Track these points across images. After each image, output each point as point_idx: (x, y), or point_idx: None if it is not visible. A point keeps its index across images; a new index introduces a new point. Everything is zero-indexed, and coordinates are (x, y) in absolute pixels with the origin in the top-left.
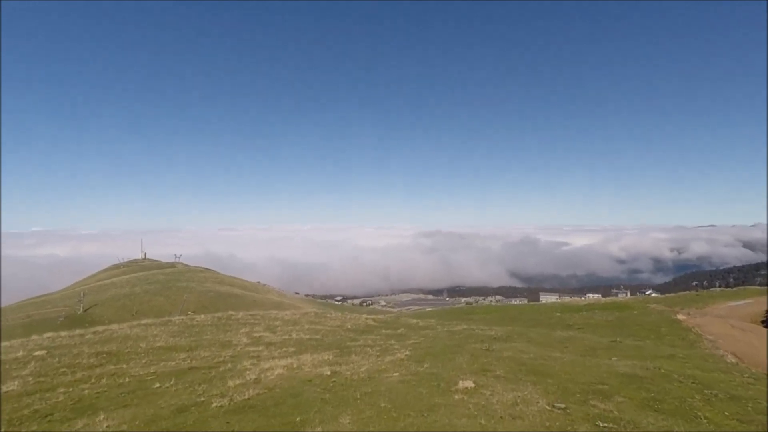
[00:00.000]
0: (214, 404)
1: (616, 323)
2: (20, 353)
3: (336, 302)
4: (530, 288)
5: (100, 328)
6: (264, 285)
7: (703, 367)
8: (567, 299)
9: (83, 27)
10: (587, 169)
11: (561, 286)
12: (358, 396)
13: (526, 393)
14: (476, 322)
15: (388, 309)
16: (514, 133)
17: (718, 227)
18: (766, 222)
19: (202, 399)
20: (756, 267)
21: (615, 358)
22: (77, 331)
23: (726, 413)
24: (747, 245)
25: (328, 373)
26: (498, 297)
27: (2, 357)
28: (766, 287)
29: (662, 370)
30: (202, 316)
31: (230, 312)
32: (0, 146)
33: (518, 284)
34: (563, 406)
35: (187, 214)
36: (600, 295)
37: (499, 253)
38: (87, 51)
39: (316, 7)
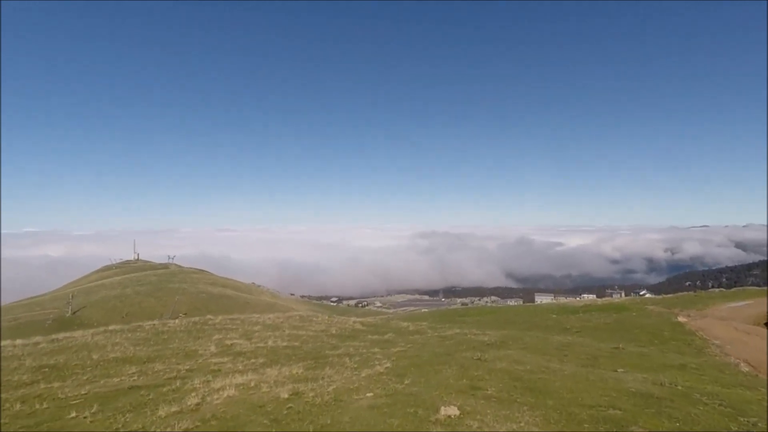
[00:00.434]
0: None
1: (615, 326)
2: None
3: (332, 303)
4: (526, 288)
5: (60, 336)
6: (258, 286)
7: (721, 381)
8: (562, 300)
9: (78, 27)
10: (582, 170)
11: (556, 287)
12: (311, 431)
13: (522, 424)
14: (470, 325)
15: (384, 310)
16: (510, 134)
17: (711, 228)
18: (759, 222)
19: None
20: (748, 267)
21: (621, 370)
22: (34, 339)
23: None
24: (739, 245)
25: (286, 396)
26: (494, 297)
27: None
28: (765, 288)
29: (679, 387)
30: (177, 321)
31: (209, 316)
32: None
33: (514, 285)
34: None
35: (184, 215)
36: (595, 296)
37: (494, 253)
38: (83, 51)
39: (316, 7)
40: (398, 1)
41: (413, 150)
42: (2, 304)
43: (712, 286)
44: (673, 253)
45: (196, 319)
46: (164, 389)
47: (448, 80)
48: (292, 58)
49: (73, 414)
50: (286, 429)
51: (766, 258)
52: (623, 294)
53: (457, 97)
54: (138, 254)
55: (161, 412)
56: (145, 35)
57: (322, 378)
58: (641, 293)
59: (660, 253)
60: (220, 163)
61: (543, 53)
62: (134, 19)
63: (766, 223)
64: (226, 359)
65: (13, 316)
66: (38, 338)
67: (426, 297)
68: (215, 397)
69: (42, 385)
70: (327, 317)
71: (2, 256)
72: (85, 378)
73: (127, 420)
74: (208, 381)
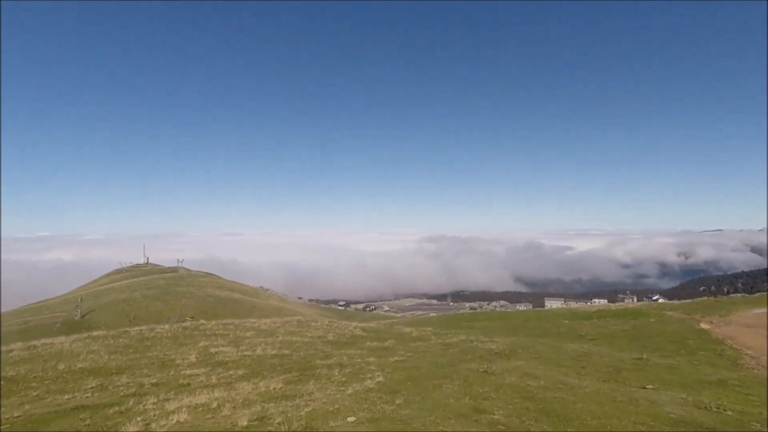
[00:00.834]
0: None
1: (634, 334)
2: None
3: (339, 307)
4: (535, 293)
5: (39, 342)
6: (266, 290)
7: None
8: (573, 305)
9: (88, 31)
10: (591, 173)
11: (566, 291)
12: None
13: None
14: (477, 331)
15: (392, 314)
16: (518, 137)
17: (725, 232)
18: None
19: None
20: (765, 272)
21: (650, 387)
22: (12, 346)
23: None
24: (755, 250)
25: (245, 423)
26: (502, 302)
27: None
28: None
29: (729, 412)
30: (167, 326)
31: (201, 321)
32: (0, 151)
33: (523, 289)
34: None
35: (193, 219)
36: (606, 300)
37: (503, 257)
38: (91, 55)
39: (316, 9)
40: (404, 1)
41: (420, 154)
42: (15, 308)
43: (728, 292)
44: (686, 258)
45: (188, 324)
46: (110, 411)
47: (454, 85)
48: (298, 61)
49: None
50: None
51: None
52: (635, 299)
53: (465, 101)
54: (147, 258)
55: None
56: (148, 39)
57: (301, 396)
58: (654, 298)
59: (673, 258)
60: (225, 168)
61: (550, 55)
62: (144, 22)
63: None
64: (201, 371)
65: (23, 320)
66: (17, 344)
67: (434, 301)
68: (162, 423)
69: None
70: (327, 322)
71: (16, 261)
72: (34, 394)
73: None
74: (166, 400)
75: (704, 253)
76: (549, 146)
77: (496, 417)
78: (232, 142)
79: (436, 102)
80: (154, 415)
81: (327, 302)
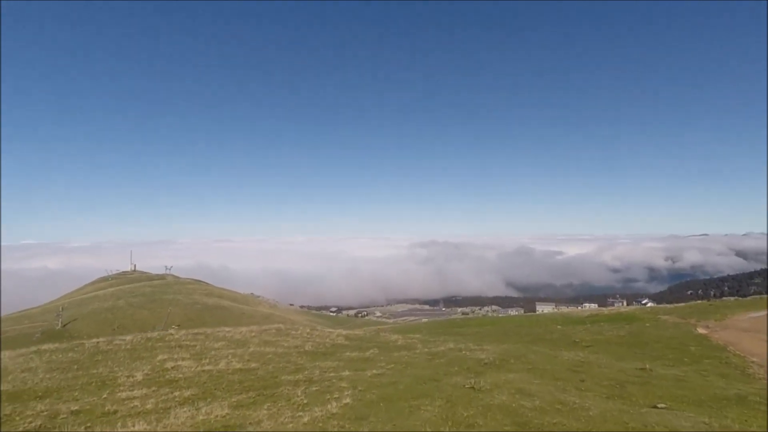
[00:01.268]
0: None
1: (631, 340)
2: None
3: (330, 313)
4: (526, 297)
5: None
6: (256, 297)
7: None
8: (565, 309)
9: (69, 35)
10: (580, 179)
11: (557, 296)
12: None
13: None
14: (467, 337)
15: (383, 320)
16: (508, 143)
17: (711, 236)
18: (758, 231)
19: None
20: (750, 276)
21: (662, 405)
22: None
23: None
24: (739, 254)
25: None
26: (494, 307)
27: None
28: None
29: None
30: (129, 337)
31: (170, 331)
32: None
33: (514, 294)
34: None
35: (182, 225)
36: (597, 305)
37: (494, 262)
38: (76, 60)
39: (317, 8)
40: (396, 1)
41: (411, 160)
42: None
43: (715, 295)
44: (673, 262)
45: (154, 334)
46: None
47: (446, 91)
48: (290, 66)
49: None
50: None
51: (767, 266)
52: (625, 303)
53: (455, 106)
54: (135, 265)
55: None
56: (138, 43)
57: (245, 427)
58: (644, 302)
59: (660, 262)
60: (216, 174)
61: (537, 59)
62: (129, 26)
63: (765, 232)
64: (141, 392)
65: (2, 330)
66: None
67: (426, 307)
68: None
69: None
70: (308, 330)
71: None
72: None
73: None
74: None
75: (691, 258)
76: (537, 152)
77: None
78: (225, 149)
79: (427, 108)
80: None
81: (319, 308)
